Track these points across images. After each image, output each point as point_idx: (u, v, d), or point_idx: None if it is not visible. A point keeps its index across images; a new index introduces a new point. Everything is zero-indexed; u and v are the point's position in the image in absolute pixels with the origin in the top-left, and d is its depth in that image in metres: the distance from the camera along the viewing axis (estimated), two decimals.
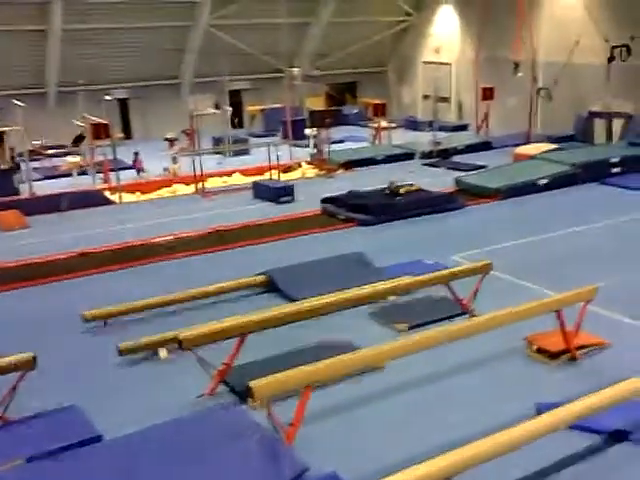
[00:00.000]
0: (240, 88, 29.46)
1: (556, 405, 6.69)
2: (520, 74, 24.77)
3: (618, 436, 6.87)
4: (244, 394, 7.29)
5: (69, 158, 21.37)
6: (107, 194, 18.71)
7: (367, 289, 9.65)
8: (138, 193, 19.04)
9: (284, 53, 24.27)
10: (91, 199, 17.97)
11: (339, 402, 7.75)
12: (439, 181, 18.39)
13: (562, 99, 24.49)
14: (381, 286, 9.84)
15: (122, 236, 14.78)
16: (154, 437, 6.95)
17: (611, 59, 22.23)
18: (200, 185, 18.89)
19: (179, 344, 7.98)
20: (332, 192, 16.92)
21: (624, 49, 21.96)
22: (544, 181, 17.60)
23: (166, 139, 22.82)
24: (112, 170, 19.42)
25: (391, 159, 22.11)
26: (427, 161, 21.78)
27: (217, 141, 24.60)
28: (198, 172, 18.75)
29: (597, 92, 23.10)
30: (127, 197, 18.65)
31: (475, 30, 27.39)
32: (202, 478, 6.33)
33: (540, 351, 8.68)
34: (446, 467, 5.44)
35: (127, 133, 27.81)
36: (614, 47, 22.15)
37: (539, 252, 12.83)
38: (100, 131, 19.25)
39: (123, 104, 28.19)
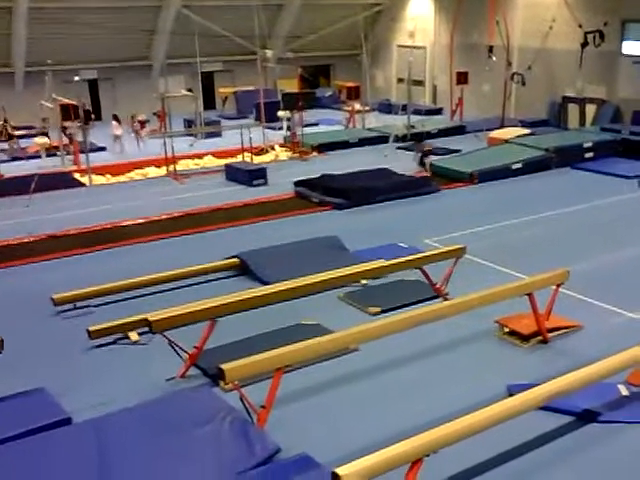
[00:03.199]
0: (212, 70, 29.14)
1: (527, 387, 6.73)
2: (494, 58, 24.78)
3: (587, 417, 6.95)
4: (216, 377, 7.25)
5: (37, 139, 21.01)
6: (77, 176, 18.42)
7: (340, 272, 9.60)
8: (108, 175, 18.76)
9: (257, 35, 23.96)
10: (60, 181, 17.67)
11: (312, 384, 7.73)
12: (413, 165, 18.37)
13: (536, 84, 24.57)
14: (354, 270, 9.80)
15: (92, 219, 14.57)
16: (124, 420, 6.90)
17: (584, 44, 22.29)
18: (171, 167, 18.67)
19: (149, 327, 7.90)
20: (305, 175, 16.83)
21: (597, 35, 22.02)
22: (517, 165, 17.67)
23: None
24: (82, 152, 19.12)
25: (365, 142, 22.07)
26: (401, 145, 21.74)
27: (189, 123, 24.33)
28: (169, 154, 18.52)
29: (571, 77, 23.22)
30: (97, 179, 18.38)
31: (450, 14, 27.34)
32: (173, 460, 6.29)
33: (512, 334, 8.73)
34: (418, 448, 5.44)
35: (97, 114, 27.36)
36: (587, 33, 22.22)
37: (512, 236, 12.90)
38: (69, 112, 18.88)
39: (93, 85, 27.74)
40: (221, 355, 7.81)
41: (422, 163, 17.42)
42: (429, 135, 22.66)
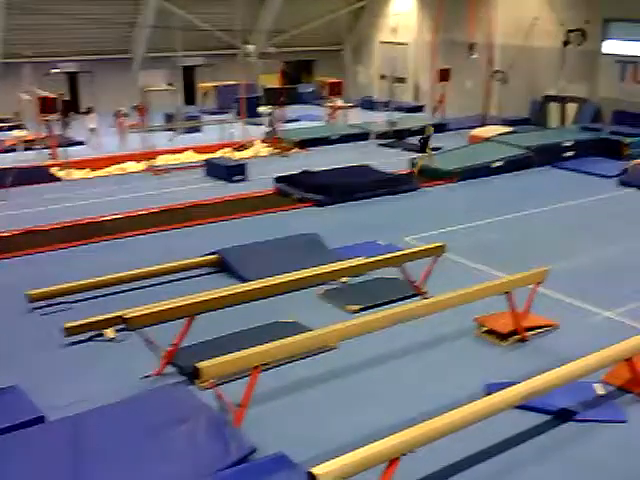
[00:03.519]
0: (193, 64, 28.92)
1: (505, 385, 6.73)
2: (474, 56, 24.79)
3: (564, 415, 6.99)
4: (192, 375, 7.17)
5: (14, 132, 20.73)
6: (54, 170, 18.20)
7: (319, 270, 9.58)
8: (87, 170, 18.56)
9: (239, 29, 23.83)
10: (37, 175, 17.42)
11: (290, 383, 7.69)
12: (394, 162, 18.36)
13: (518, 82, 24.63)
14: (333, 267, 9.77)
15: (69, 214, 14.40)
16: (99, 418, 6.82)
17: (566, 43, 22.36)
18: (151, 162, 18.52)
19: (125, 324, 7.81)
20: (286, 171, 16.75)
21: (579, 33, 22.10)
22: (499, 164, 17.70)
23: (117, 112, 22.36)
24: (60, 146, 18.90)
25: (346, 139, 21.99)
26: (382, 141, 21.72)
27: (169, 118, 24.13)
28: (149, 149, 18.36)
29: (552, 76, 23.28)
30: (75, 174, 18.17)
31: (433, 11, 27.31)
32: (148, 459, 6.23)
33: (490, 332, 8.74)
34: (395, 446, 5.42)
35: (76, 108, 27.06)
36: (569, 31, 22.29)
37: (492, 234, 12.91)
38: (48, 105, 18.65)
39: (72, 78, 27.42)
40: (198, 353, 7.75)
41: (423, 148, 17.54)
42: (411, 132, 22.67)
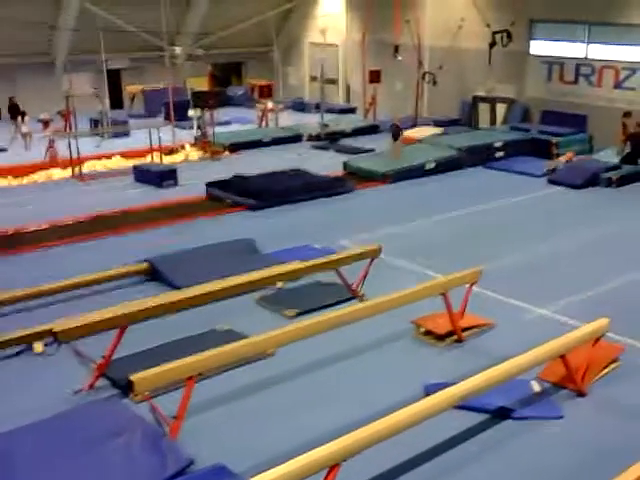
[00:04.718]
0: (119, 67, 28.30)
1: (443, 386, 6.73)
2: (400, 58, 24.93)
3: (502, 414, 7.05)
4: (126, 387, 6.95)
5: None
6: None
7: (254, 275, 9.43)
8: (9, 177, 17.90)
9: (165, 32, 23.37)
10: None
11: (227, 392, 7.55)
12: (327, 164, 18.34)
13: (447, 83, 24.86)
14: (268, 272, 9.63)
15: None
16: (29, 436, 6.57)
17: (492, 44, 22.73)
18: (77, 169, 17.99)
19: (55, 337, 7.53)
20: (218, 175, 16.51)
21: (505, 34, 22.48)
22: (430, 165, 17.85)
23: (39, 120, 21.69)
24: None
25: (278, 141, 21.87)
26: (315, 144, 21.69)
27: (95, 123, 23.54)
28: (75, 155, 17.84)
29: (481, 77, 23.63)
30: None
31: (361, 12, 27.42)
32: (83, 475, 6.04)
33: (427, 333, 8.76)
34: (335, 453, 5.34)
35: None
36: (495, 32, 22.66)
37: (426, 235, 13.00)
38: None
39: None
40: (131, 364, 7.51)
41: (396, 138, 18.11)
42: (343, 134, 22.70)
